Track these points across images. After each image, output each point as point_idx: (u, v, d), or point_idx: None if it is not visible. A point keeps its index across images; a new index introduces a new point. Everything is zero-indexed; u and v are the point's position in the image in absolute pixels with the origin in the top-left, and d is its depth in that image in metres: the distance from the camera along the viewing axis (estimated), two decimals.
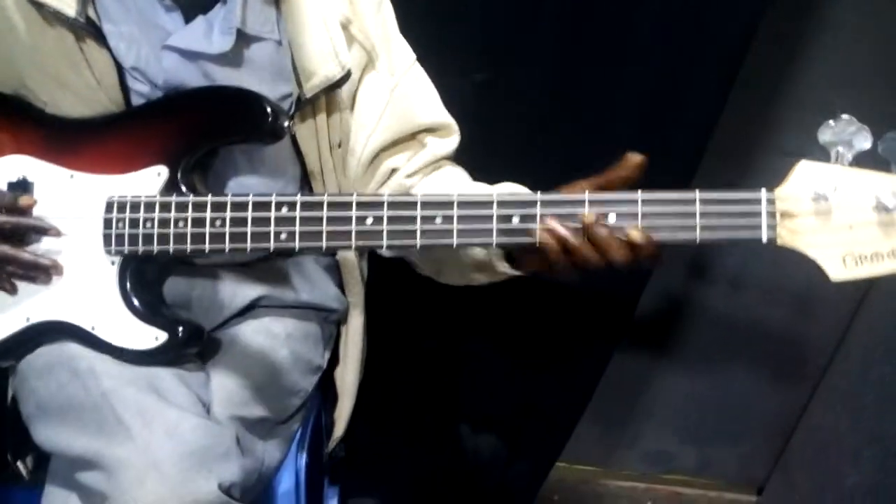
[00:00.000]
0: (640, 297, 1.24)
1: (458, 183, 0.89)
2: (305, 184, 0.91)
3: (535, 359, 1.29)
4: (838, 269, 0.58)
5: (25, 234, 0.78)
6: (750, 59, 1.01)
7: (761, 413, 1.53)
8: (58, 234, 0.78)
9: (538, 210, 0.66)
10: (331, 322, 1.02)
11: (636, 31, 1.01)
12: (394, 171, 0.89)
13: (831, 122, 0.56)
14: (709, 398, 1.52)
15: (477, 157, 0.92)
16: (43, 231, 0.78)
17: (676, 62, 1.02)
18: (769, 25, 1.02)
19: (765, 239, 0.60)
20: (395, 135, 0.87)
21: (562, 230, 0.66)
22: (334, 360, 1.04)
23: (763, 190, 0.60)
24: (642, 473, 1.64)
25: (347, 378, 1.04)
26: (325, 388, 1.05)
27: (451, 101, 0.91)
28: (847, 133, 0.56)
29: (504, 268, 0.78)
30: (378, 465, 1.42)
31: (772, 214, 0.60)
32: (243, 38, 0.78)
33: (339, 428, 1.07)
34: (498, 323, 1.27)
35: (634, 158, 0.67)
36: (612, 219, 0.65)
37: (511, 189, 0.82)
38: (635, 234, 0.65)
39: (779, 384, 1.49)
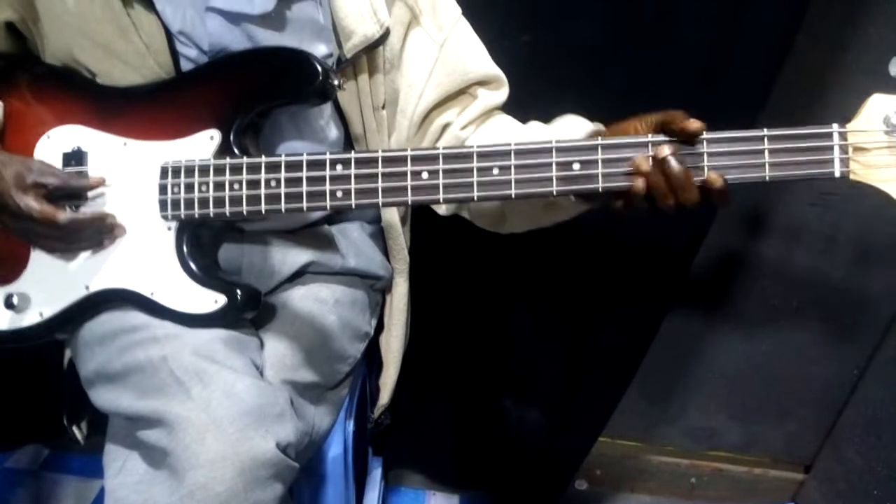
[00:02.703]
0: (689, 270, 1.23)
1: (513, 129, 0.89)
2: (349, 146, 0.92)
3: (581, 331, 1.29)
4: None
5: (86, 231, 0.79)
6: (807, 18, 0.99)
7: (810, 387, 1.51)
8: (122, 232, 0.80)
9: (599, 155, 0.66)
10: (377, 290, 1.03)
11: None
12: (446, 126, 0.90)
13: None
14: (756, 373, 1.50)
15: (525, 118, 0.92)
16: (107, 228, 0.80)
17: (731, 24, 0.99)
18: None
19: (837, 174, 0.60)
20: (446, 91, 0.88)
21: (645, 166, 0.66)
22: (379, 328, 1.06)
23: (834, 125, 0.60)
24: (686, 450, 1.63)
25: (392, 345, 1.06)
26: (371, 356, 1.07)
27: (498, 62, 0.91)
28: None
29: (573, 198, 0.77)
30: (420, 437, 1.43)
31: (844, 149, 0.60)
32: None
33: (385, 395, 1.09)
34: (542, 293, 1.27)
35: (694, 125, 0.66)
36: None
37: (572, 122, 0.81)
38: (714, 178, 0.64)
39: (829, 358, 1.46)
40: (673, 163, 0.65)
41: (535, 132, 0.87)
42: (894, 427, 1.35)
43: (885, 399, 1.38)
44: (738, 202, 1.28)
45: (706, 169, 0.64)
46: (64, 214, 0.76)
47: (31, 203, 0.74)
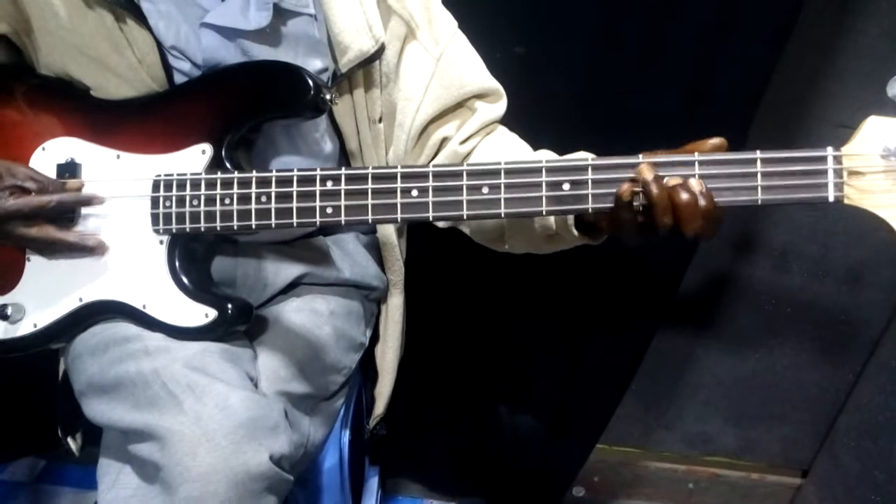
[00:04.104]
0: (683, 276, 1.22)
1: (516, 147, 0.88)
2: (344, 160, 0.91)
3: (576, 338, 1.28)
4: None
5: (71, 210, 0.79)
6: (798, 27, 0.98)
7: (806, 392, 1.50)
8: (101, 202, 0.79)
9: (589, 175, 0.65)
10: (372, 300, 1.02)
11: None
12: (444, 140, 0.89)
13: None
14: (752, 378, 1.50)
15: (517, 131, 0.91)
16: (87, 202, 0.79)
17: (722, 33, 0.98)
18: None
19: (831, 198, 0.58)
20: (443, 104, 0.87)
21: (648, 175, 0.63)
22: (374, 339, 1.05)
23: (829, 148, 0.58)
24: (683, 455, 1.62)
25: (387, 356, 1.05)
26: (366, 367, 1.06)
27: (491, 74, 0.90)
28: None
29: (576, 233, 0.76)
30: (417, 445, 1.43)
31: (838, 173, 0.58)
32: (280, 14, 0.79)
33: (380, 406, 1.08)
34: (537, 302, 1.26)
35: (714, 141, 0.64)
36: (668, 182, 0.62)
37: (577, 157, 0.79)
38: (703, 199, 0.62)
39: (825, 363, 1.45)
40: (683, 192, 0.62)
41: (535, 156, 0.85)
42: (890, 431, 1.34)
43: (880, 404, 1.37)
44: (732, 212, 1.27)
45: None
46: (49, 197, 0.75)
47: (9, 201, 0.74)
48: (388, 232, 0.98)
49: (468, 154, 0.88)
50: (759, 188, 0.60)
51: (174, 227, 0.77)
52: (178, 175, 0.77)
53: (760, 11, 0.96)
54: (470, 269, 1.21)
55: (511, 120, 0.92)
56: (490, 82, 0.89)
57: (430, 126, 0.88)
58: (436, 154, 0.89)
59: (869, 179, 0.57)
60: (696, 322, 1.44)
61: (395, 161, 0.90)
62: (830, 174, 0.58)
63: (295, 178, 0.72)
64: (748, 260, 1.35)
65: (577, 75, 1.04)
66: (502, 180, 0.67)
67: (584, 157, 0.79)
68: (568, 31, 1.01)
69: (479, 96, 0.89)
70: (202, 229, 0.76)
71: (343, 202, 0.71)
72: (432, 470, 1.50)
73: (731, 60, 1.00)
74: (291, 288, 0.92)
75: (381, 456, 1.39)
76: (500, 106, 0.90)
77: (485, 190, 0.67)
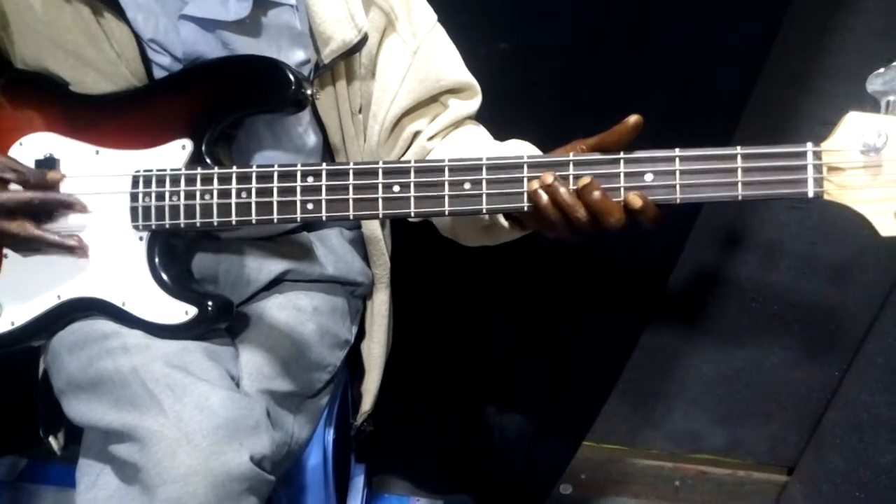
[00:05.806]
0: (670, 275, 1.22)
1: (478, 141, 0.88)
2: (328, 153, 0.90)
3: (563, 336, 1.28)
4: (889, 226, 0.55)
5: (53, 210, 0.78)
6: (786, 24, 0.98)
7: (793, 391, 1.50)
8: (84, 209, 0.79)
9: (571, 171, 0.64)
10: (357, 296, 1.02)
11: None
12: (416, 134, 0.88)
13: (882, 69, 0.53)
14: (738, 376, 1.50)
15: (501, 127, 0.90)
16: (70, 206, 0.78)
17: (709, 30, 0.98)
18: None
19: (811, 194, 0.58)
20: (417, 97, 0.86)
21: (550, 179, 0.64)
22: (361, 335, 1.05)
23: (809, 143, 0.58)
24: (670, 453, 1.62)
25: (374, 352, 1.05)
26: (353, 363, 1.06)
27: (474, 69, 0.89)
28: None
29: (505, 226, 0.76)
30: (404, 443, 1.43)
31: (818, 168, 0.58)
32: (260, 4, 0.78)
33: (367, 402, 1.08)
34: (525, 299, 1.25)
35: (630, 119, 0.65)
36: (648, 178, 0.63)
37: (519, 147, 0.80)
38: (634, 200, 0.63)
39: (811, 360, 1.46)
40: (590, 192, 0.64)
41: (499, 150, 0.85)
42: (875, 429, 1.34)
43: (865, 402, 1.38)
44: (719, 209, 1.27)
45: (678, 188, 0.62)
46: (33, 195, 0.75)
47: None
48: (373, 227, 0.97)
49: (430, 151, 0.88)
50: (740, 184, 0.60)
51: (154, 223, 0.76)
52: (158, 171, 0.76)
53: (748, 8, 0.96)
54: (457, 264, 1.20)
55: (495, 117, 0.91)
56: (466, 77, 0.89)
57: (404, 119, 0.87)
58: (408, 147, 0.89)
59: (848, 175, 0.57)
60: (684, 320, 1.44)
61: (369, 153, 0.89)
62: (810, 170, 0.58)
63: (275, 174, 0.72)
64: (735, 258, 1.35)
65: (562, 72, 1.04)
66: (484, 176, 0.67)
67: (522, 145, 0.80)
68: (553, 28, 1.01)
69: (453, 91, 0.88)
70: (182, 225, 0.75)
71: (324, 198, 0.71)
72: (419, 467, 1.49)
73: (719, 57, 1.00)
74: (274, 285, 0.92)
75: (368, 453, 1.38)
76: (474, 102, 0.90)
77: (466, 186, 0.67)
